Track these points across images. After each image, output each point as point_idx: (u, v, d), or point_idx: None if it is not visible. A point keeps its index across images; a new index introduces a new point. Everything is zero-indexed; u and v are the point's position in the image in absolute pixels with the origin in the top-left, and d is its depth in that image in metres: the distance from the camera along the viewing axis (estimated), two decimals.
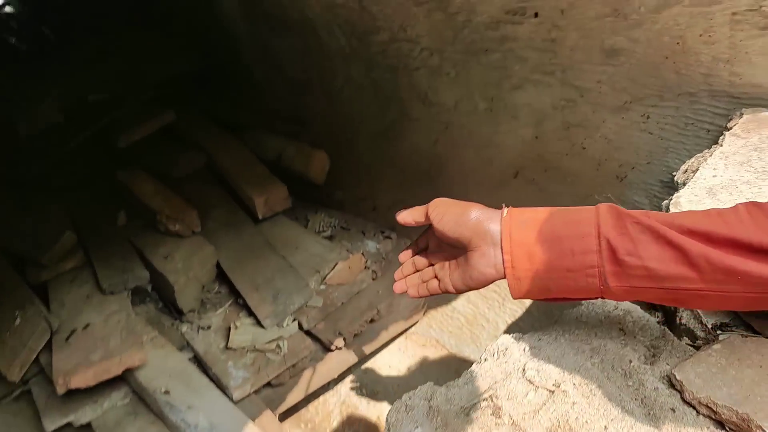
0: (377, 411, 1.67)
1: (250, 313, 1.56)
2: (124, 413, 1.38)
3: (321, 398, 1.83)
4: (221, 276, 1.73)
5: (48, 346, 1.37)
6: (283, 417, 1.62)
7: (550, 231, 0.64)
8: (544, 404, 0.73)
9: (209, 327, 1.55)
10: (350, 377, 1.81)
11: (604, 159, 1.39)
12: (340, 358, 1.57)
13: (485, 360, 0.81)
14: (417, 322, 1.79)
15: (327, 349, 1.56)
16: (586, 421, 0.71)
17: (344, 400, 1.77)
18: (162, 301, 1.67)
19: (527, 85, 1.44)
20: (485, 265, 0.70)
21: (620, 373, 0.77)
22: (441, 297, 1.87)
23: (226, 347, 1.47)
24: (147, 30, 3.09)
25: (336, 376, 1.61)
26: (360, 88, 2.05)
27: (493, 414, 0.73)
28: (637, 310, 0.86)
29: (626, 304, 0.88)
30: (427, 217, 0.75)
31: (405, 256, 0.84)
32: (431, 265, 0.80)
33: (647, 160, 1.29)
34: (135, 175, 2.04)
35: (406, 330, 1.77)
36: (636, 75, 1.19)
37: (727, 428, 0.70)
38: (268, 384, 1.47)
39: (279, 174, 1.98)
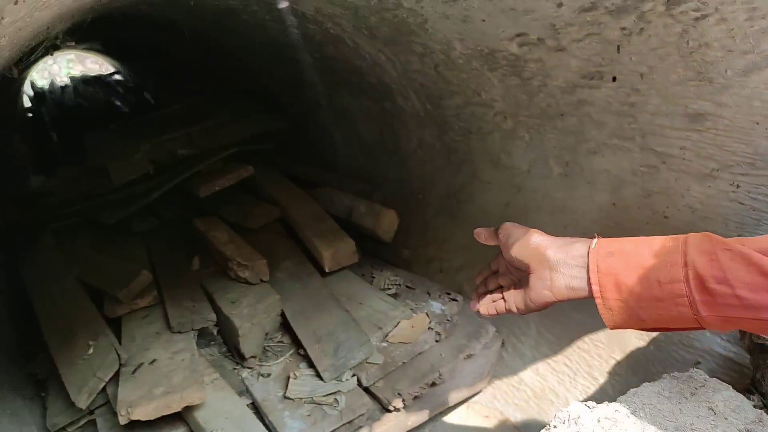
0: None
1: (310, 365, 1.55)
2: None
3: None
4: (285, 326, 1.74)
5: (115, 378, 1.40)
6: None
7: (637, 261, 0.64)
8: None
9: (269, 375, 1.55)
10: None
11: (688, 229, 1.32)
12: (398, 420, 1.51)
13: (555, 427, 0.76)
14: (481, 391, 1.72)
15: (385, 409, 1.51)
16: None
17: None
18: (226, 345, 1.69)
19: (605, 150, 1.41)
20: (542, 288, 0.74)
21: None
22: (507, 368, 1.80)
23: (284, 396, 1.45)
24: (234, 92, 3.32)
25: None
26: (432, 151, 2.08)
27: None
28: (729, 390, 0.79)
29: (715, 383, 0.81)
30: (496, 237, 0.84)
31: (480, 277, 0.92)
32: (501, 286, 0.87)
33: (737, 233, 1.22)
34: (211, 223, 2.13)
35: (468, 398, 1.69)
36: (723, 141, 1.14)
37: None
38: None
39: (348, 231, 2.01)
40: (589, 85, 1.33)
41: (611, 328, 0.68)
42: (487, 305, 0.88)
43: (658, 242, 0.65)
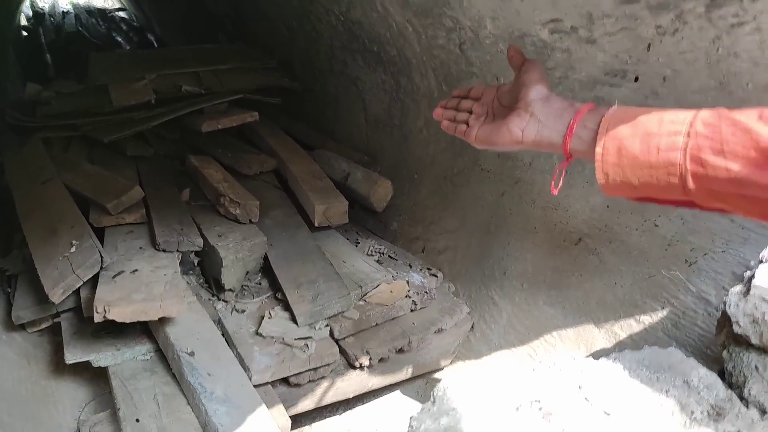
0: None
1: (286, 309, 1.55)
2: (141, 368, 1.37)
3: (326, 420, 1.77)
4: (265, 271, 1.75)
5: (93, 281, 1.39)
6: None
7: (644, 127, 0.64)
8: (598, 424, 0.70)
9: (243, 311, 1.55)
10: (360, 407, 1.75)
11: (675, 240, 1.37)
12: (361, 378, 1.53)
13: (540, 370, 0.79)
14: (443, 369, 1.74)
15: (351, 365, 1.52)
16: None
17: (348, 429, 1.71)
18: (204, 276, 1.69)
19: None
20: (516, 125, 0.75)
21: (679, 421, 0.74)
22: (472, 351, 1.83)
23: (256, 333, 1.46)
24: (247, 46, 3.30)
25: (351, 396, 1.56)
26: (438, 132, 2.10)
27: (543, 417, 0.69)
28: (705, 369, 0.82)
29: (692, 362, 0.85)
30: (521, 61, 0.82)
31: (457, 92, 0.91)
32: (470, 112, 0.87)
33: (722, 249, 1.27)
34: (206, 161, 2.12)
35: (429, 373, 1.72)
36: None
37: None
38: (286, 381, 1.44)
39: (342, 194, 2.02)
40: (610, 83, 1.36)
41: (605, 192, 0.70)
42: (449, 119, 0.88)
43: (671, 113, 0.64)
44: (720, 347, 0.95)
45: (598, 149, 0.68)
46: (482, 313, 1.76)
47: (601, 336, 1.49)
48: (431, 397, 0.69)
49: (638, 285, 1.41)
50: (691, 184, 0.59)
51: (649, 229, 1.43)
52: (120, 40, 6.01)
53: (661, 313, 1.34)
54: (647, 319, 1.36)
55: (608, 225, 1.53)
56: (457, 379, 0.72)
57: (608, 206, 1.52)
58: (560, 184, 0.78)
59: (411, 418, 0.65)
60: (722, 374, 0.90)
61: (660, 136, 0.62)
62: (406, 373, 1.56)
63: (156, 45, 5.94)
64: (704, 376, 0.79)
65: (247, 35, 3.62)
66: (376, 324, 1.57)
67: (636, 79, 1.28)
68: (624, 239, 1.49)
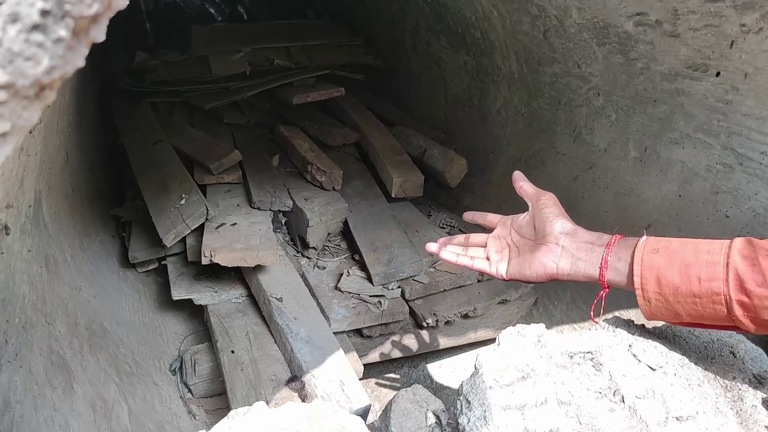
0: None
1: (362, 269, 1.70)
2: (235, 309, 1.56)
3: (390, 374, 1.92)
4: (344, 235, 1.90)
5: (199, 230, 1.59)
6: None
7: (681, 258, 0.69)
8: (644, 375, 0.79)
9: (324, 268, 1.71)
10: (423, 367, 1.89)
11: (745, 231, 1.40)
12: (426, 337, 1.66)
13: (595, 330, 0.88)
14: None
15: (419, 325, 1.66)
16: (680, 400, 0.76)
17: (411, 384, 1.85)
18: (290, 235, 1.86)
19: (686, 141, 1.49)
20: (549, 259, 0.82)
21: (722, 384, 0.82)
22: None
23: (335, 287, 1.61)
24: (334, 23, 3.44)
25: (416, 353, 1.70)
26: (516, 114, 2.17)
27: (593, 366, 0.79)
28: (752, 344, 0.89)
29: (740, 337, 0.92)
30: (536, 197, 0.89)
31: (473, 216, 1.02)
32: (483, 247, 0.94)
33: None
34: (294, 131, 2.29)
35: (491, 340, 1.82)
36: None
37: None
38: (359, 333, 1.59)
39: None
40: (691, 76, 1.40)
41: (648, 319, 0.76)
42: (454, 252, 0.95)
43: (703, 243, 0.70)
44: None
45: (637, 279, 0.73)
46: (546, 290, 1.84)
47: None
48: (497, 340, 0.80)
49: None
50: (738, 311, 0.64)
51: (719, 219, 1.46)
52: (212, 11, 6.32)
53: None
54: None
55: (679, 213, 1.57)
56: (520, 328, 0.83)
57: (680, 195, 1.56)
58: (601, 312, 0.84)
59: (478, 354, 0.77)
60: None
61: (699, 266, 0.67)
62: (470, 337, 1.67)
63: (246, 17, 6.21)
64: (750, 349, 0.86)
65: (333, 12, 3.77)
66: (444, 290, 1.69)
67: (717, 74, 1.31)
68: (694, 228, 1.53)
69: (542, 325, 0.85)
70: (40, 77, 0.29)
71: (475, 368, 0.76)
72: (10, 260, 0.91)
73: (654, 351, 0.82)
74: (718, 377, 0.82)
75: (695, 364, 0.83)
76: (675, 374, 0.79)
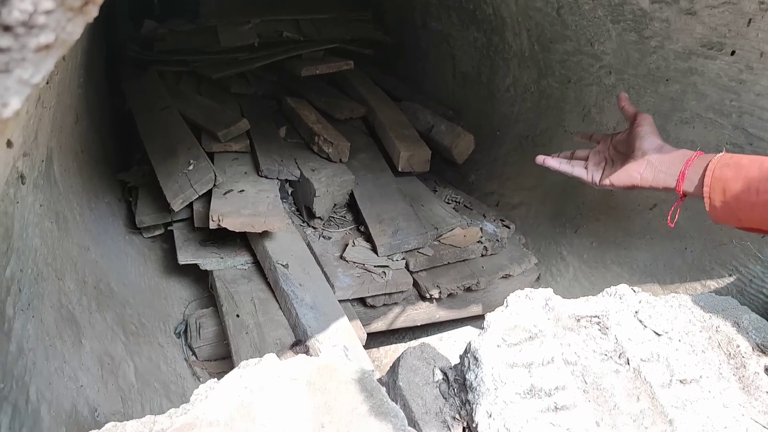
0: None
1: (367, 240, 1.71)
2: (240, 275, 1.58)
3: (393, 346, 1.94)
4: (350, 207, 1.91)
5: (203, 198, 1.59)
6: None
7: (745, 173, 0.83)
8: (649, 340, 0.80)
9: (330, 238, 1.72)
10: (424, 339, 1.90)
11: None
12: (430, 309, 1.68)
13: (602, 296, 0.89)
14: None
15: (422, 297, 1.67)
16: (684, 365, 0.77)
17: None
18: (296, 205, 1.87)
19: (697, 121, 1.48)
20: (635, 171, 0.99)
21: (725, 352, 0.83)
22: None
23: (341, 257, 1.62)
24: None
25: (419, 324, 1.72)
26: (525, 92, 2.17)
27: (600, 330, 0.81)
28: (756, 315, 0.90)
29: (745, 309, 0.93)
30: (633, 116, 1.06)
31: (582, 137, 1.23)
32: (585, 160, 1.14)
33: None
34: (301, 103, 2.29)
35: None
36: None
37: None
38: (363, 302, 1.60)
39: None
40: (705, 55, 1.39)
41: (714, 222, 0.90)
42: (561, 160, 1.15)
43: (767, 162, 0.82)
44: None
45: (706, 189, 0.87)
46: (549, 266, 1.85)
47: (664, 294, 1.56)
48: (504, 302, 0.81)
49: (708, 252, 1.46)
50: None
51: None
52: None
53: (727, 279, 1.39)
54: (713, 284, 1.42)
55: (686, 193, 1.57)
56: (528, 291, 0.84)
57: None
58: (676, 218, 1.01)
59: (487, 315, 0.77)
60: None
61: (759, 180, 0.80)
62: (472, 310, 1.68)
63: None
64: (754, 319, 0.87)
65: None
66: (448, 263, 1.70)
67: (732, 53, 1.31)
68: (700, 208, 1.51)
69: (550, 290, 0.86)
70: None
71: (484, 328, 0.77)
72: (24, 211, 0.91)
73: (660, 318, 0.83)
74: (722, 345, 0.83)
75: (700, 332, 0.84)
76: (680, 340, 0.80)
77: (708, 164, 0.88)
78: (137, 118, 2.05)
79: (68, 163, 1.38)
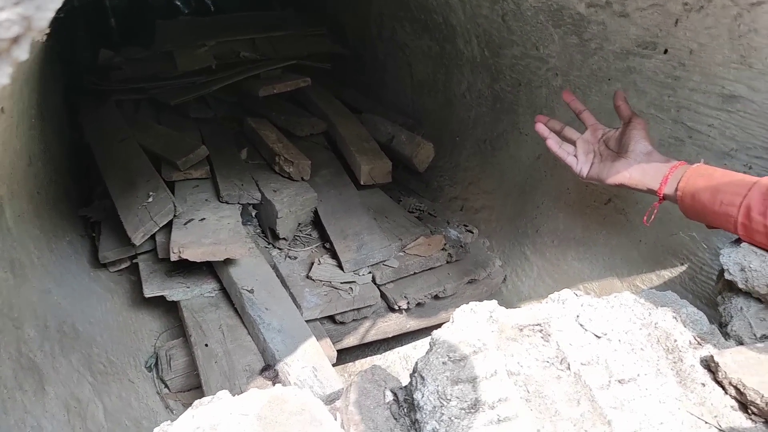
0: None
1: (333, 257, 1.73)
2: (208, 303, 1.58)
3: (368, 359, 1.96)
4: (315, 224, 1.92)
5: (167, 227, 1.60)
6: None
7: (714, 185, 0.94)
8: (589, 344, 0.83)
9: (295, 258, 1.74)
10: (398, 349, 1.93)
11: None
12: (399, 320, 1.70)
13: (545, 303, 0.92)
14: None
15: (391, 308, 1.69)
16: (622, 365, 0.81)
17: (388, 366, 1.89)
18: (261, 227, 1.88)
19: (640, 117, 1.53)
20: (624, 170, 1.09)
21: (663, 347, 0.86)
22: (503, 302, 1.94)
23: (307, 276, 1.64)
24: (299, 13, 3.43)
25: (391, 336, 1.74)
26: (480, 97, 2.20)
27: (542, 337, 0.83)
28: (693, 308, 0.94)
29: (685, 303, 0.96)
30: (630, 117, 1.15)
31: (578, 106, 1.28)
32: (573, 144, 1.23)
33: None
34: (262, 123, 2.30)
35: None
36: (748, 124, 1.26)
37: (750, 411, 0.78)
38: (333, 320, 1.62)
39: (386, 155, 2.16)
40: (641, 54, 1.44)
41: (688, 218, 1.03)
42: (557, 141, 1.24)
43: (737, 177, 0.93)
44: (717, 293, 1.06)
45: (679, 194, 1.01)
46: (514, 267, 1.89)
47: (623, 288, 1.60)
48: (450, 319, 0.83)
49: (661, 243, 1.51)
50: (740, 230, 0.90)
51: None
52: (178, 3, 6.22)
53: (680, 269, 1.43)
54: (667, 274, 1.46)
55: (665, 196, 1.61)
56: (473, 305, 0.86)
57: None
58: (653, 218, 1.12)
59: (433, 332, 0.80)
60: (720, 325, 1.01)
61: (724, 193, 0.92)
62: (442, 317, 1.71)
63: (213, 9, 6.14)
64: (692, 313, 0.90)
65: (299, 2, 3.74)
66: (414, 273, 1.73)
67: (665, 52, 1.35)
68: (651, 201, 1.57)
69: (494, 302, 0.89)
70: None
71: (430, 345, 0.79)
72: None
73: (600, 320, 0.86)
74: (660, 341, 0.86)
75: (639, 329, 0.88)
76: (619, 340, 0.84)
77: (686, 172, 0.99)
78: (95, 151, 2.04)
79: (23, 207, 1.38)
